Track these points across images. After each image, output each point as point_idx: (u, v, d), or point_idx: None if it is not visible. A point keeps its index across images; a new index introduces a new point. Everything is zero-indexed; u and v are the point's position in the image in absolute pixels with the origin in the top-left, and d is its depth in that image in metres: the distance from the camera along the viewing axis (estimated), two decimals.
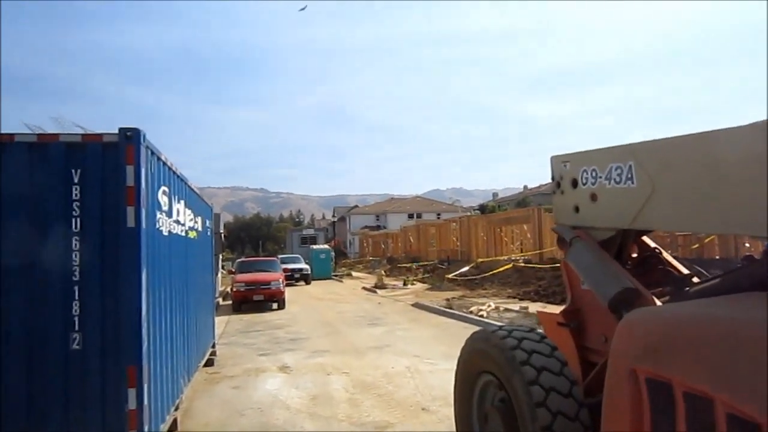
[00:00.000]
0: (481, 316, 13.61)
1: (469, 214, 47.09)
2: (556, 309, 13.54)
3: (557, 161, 4.69)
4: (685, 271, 4.31)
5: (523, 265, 22.24)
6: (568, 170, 4.52)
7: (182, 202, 6.75)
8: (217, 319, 16.46)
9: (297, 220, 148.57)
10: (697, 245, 16.93)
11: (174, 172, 6.19)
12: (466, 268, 25.53)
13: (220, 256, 27.16)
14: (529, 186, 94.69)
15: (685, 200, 3.41)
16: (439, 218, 68.01)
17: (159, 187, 5.32)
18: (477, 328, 11.84)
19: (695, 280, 4.05)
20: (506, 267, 22.31)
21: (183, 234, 6.73)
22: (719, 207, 3.13)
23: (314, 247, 38.23)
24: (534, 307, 14.20)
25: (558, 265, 21.81)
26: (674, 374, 2.40)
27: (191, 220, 7.57)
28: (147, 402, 4.50)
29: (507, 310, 14.62)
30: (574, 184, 4.44)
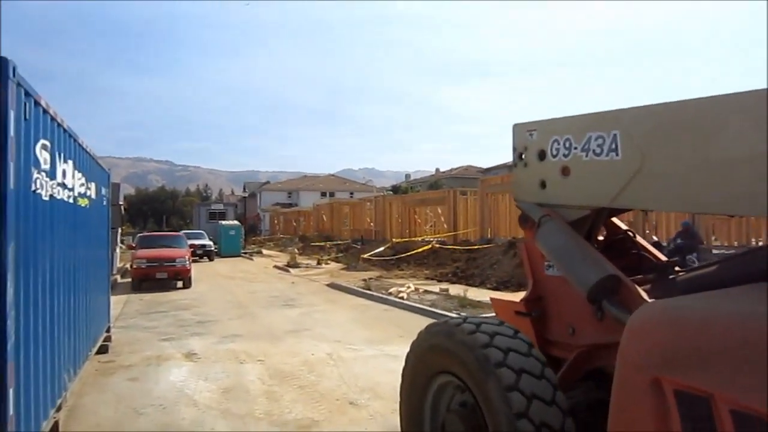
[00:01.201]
0: (402, 297, 13.17)
1: (383, 194, 46.83)
2: (490, 293, 13.33)
3: (521, 130, 4.13)
4: (662, 257, 3.92)
5: (440, 246, 22.08)
6: (535, 140, 3.98)
7: (70, 162, 5.63)
8: (113, 299, 14.87)
9: (205, 194, 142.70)
10: None
11: (59, 125, 5.09)
12: (381, 249, 25.13)
13: (119, 230, 25.14)
14: (441, 169, 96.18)
15: (680, 176, 2.94)
16: (352, 197, 67.50)
17: (37, 140, 4.26)
18: (397, 310, 11.34)
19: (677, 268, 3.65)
20: (425, 248, 22.08)
21: (70, 200, 5.63)
22: (721, 184, 2.68)
23: (223, 222, 36.48)
24: (454, 289, 13.95)
25: (473, 247, 21.95)
26: (716, 388, 1.90)
27: (82, 185, 6.43)
28: (13, 410, 3.54)
29: (427, 291, 14.29)
30: (542, 155, 3.90)
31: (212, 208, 42.98)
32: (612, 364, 3.59)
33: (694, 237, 14.23)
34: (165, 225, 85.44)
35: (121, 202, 22.38)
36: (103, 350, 8.31)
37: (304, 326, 10.40)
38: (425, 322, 10.44)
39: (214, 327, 10.53)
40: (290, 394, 6.27)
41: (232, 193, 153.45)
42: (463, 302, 11.82)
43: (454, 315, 10.64)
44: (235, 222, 37.98)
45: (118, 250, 24.69)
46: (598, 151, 3.44)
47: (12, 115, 3.49)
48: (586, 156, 3.52)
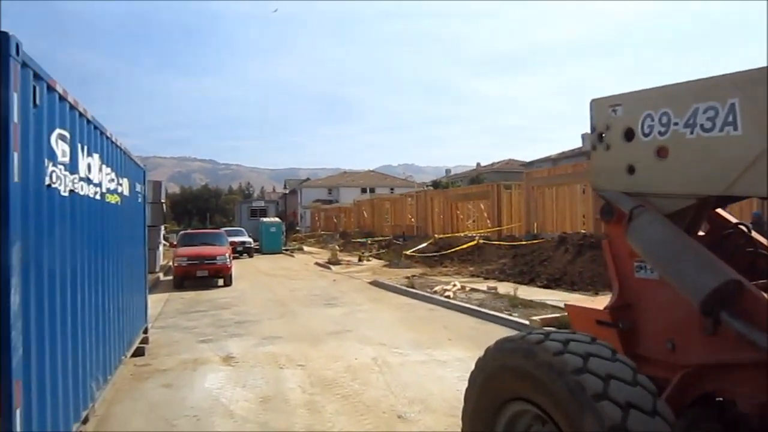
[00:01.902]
0: (448, 297, 12.53)
1: (424, 189, 46.18)
2: (541, 291, 12.57)
3: (601, 106, 3.48)
4: None
5: (486, 242, 21.32)
6: (620, 117, 3.33)
7: (96, 156, 5.25)
8: (154, 297, 14.90)
9: (247, 192, 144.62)
10: None
11: (81, 114, 4.69)
12: (424, 245, 24.51)
13: (162, 228, 25.26)
14: (482, 163, 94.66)
15: None
16: (392, 193, 67.04)
17: (52, 129, 3.84)
18: (444, 310, 10.73)
19: None
20: (470, 244, 21.36)
21: (96, 196, 5.24)
22: None
23: (264, 219, 36.46)
24: (502, 288, 13.24)
25: (520, 243, 21.09)
26: None
27: (111, 180, 6.07)
28: (22, 429, 3.12)
29: (474, 290, 13.61)
30: (629, 135, 3.25)
31: (253, 205, 43.03)
32: (727, 389, 2.95)
33: (762, 230, 13.14)
34: (209, 222, 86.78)
35: (163, 200, 22.42)
36: (139, 352, 8.00)
37: (347, 327, 9.91)
38: (474, 322, 9.83)
39: (254, 327, 10.15)
40: (333, 405, 5.76)
41: (274, 190, 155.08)
42: (514, 302, 11.12)
43: (506, 315, 9.99)
44: (276, 219, 37.95)
45: (161, 247, 24.81)
46: (708, 125, 2.79)
47: (15, 98, 3.06)
48: (691, 133, 2.87)
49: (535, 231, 24.29)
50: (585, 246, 14.86)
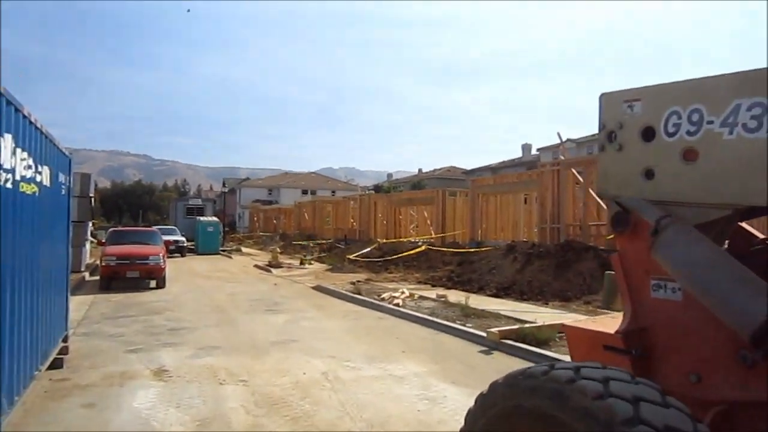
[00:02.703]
0: (397, 304, 12.06)
1: (367, 192, 45.74)
2: (492, 300, 12.23)
3: (613, 101, 3.04)
4: None
5: (432, 248, 21.04)
6: (637, 114, 2.90)
7: (8, 136, 4.43)
8: (78, 300, 13.67)
9: (183, 189, 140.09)
10: (611, 236, 16.48)
11: None
12: (368, 249, 24.01)
13: (90, 224, 23.62)
14: (424, 169, 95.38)
15: None
16: (334, 195, 66.29)
17: None
18: (393, 319, 10.22)
19: None
20: (417, 250, 21.01)
21: (7, 184, 4.43)
22: None
23: (201, 218, 34.99)
24: (452, 296, 12.89)
25: (469, 250, 20.92)
26: None
27: (28, 167, 5.21)
28: None
29: (423, 297, 13.20)
30: (648, 135, 2.83)
31: (190, 203, 41.31)
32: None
33: None
34: (141, 220, 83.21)
35: (91, 194, 20.92)
36: (57, 364, 7.06)
37: (292, 336, 9.24)
38: (426, 333, 9.36)
39: (190, 336, 9.31)
40: (282, 429, 5.13)
41: (211, 189, 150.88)
42: (466, 311, 10.75)
43: (459, 326, 9.60)
44: (214, 218, 36.52)
45: (88, 245, 23.19)
46: (752, 125, 2.39)
47: None
48: (730, 133, 2.47)
49: (480, 238, 24.29)
50: (533, 255, 14.76)
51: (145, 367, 7.28)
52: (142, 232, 19.82)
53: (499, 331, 8.40)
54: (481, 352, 8.17)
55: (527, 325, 8.67)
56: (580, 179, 18.33)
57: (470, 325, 9.69)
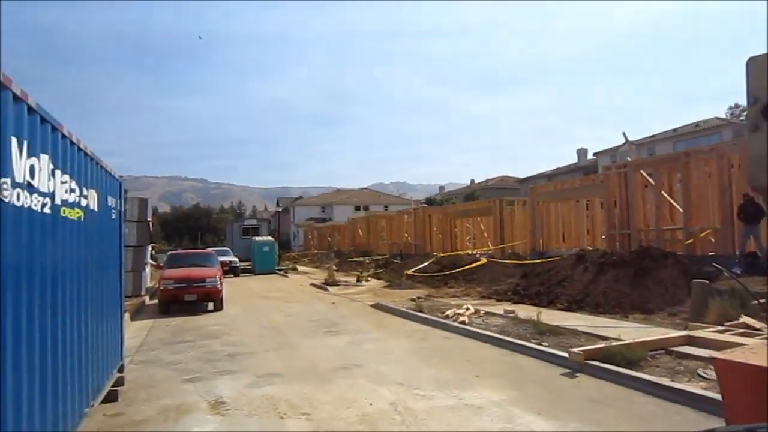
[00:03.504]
0: (463, 322, 11.31)
1: (421, 206, 45.10)
2: (565, 314, 11.30)
3: (765, 68, 2.33)
4: None
5: (495, 260, 20.15)
6: None
7: (45, 157, 4.06)
8: (137, 325, 13.60)
9: (238, 211, 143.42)
10: (690, 240, 15.23)
11: (17, 99, 3.51)
12: (425, 264, 23.29)
13: (149, 248, 23.91)
14: (476, 180, 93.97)
15: None
16: (386, 210, 65.94)
17: None
18: (460, 338, 9.44)
19: None
20: (479, 263, 20.15)
21: (45, 209, 4.04)
22: None
23: (257, 238, 35.14)
24: (521, 311, 12.03)
25: (527, 261, 19.91)
26: None
27: (70, 191, 4.85)
28: None
29: (489, 314, 12.40)
30: None
31: (245, 224, 41.68)
32: None
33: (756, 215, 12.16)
34: (200, 242, 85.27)
35: (149, 218, 21.14)
36: (111, 397, 6.72)
37: (355, 361, 8.65)
38: (499, 353, 8.53)
39: (248, 362, 8.87)
40: None
41: (266, 208, 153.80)
42: (539, 328, 9.90)
43: (534, 345, 8.80)
44: (269, 237, 36.65)
45: (148, 269, 23.49)
46: None
47: None
48: None
49: (542, 248, 23.20)
50: (606, 264, 13.71)
51: (202, 398, 6.84)
52: (199, 255, 19.81)
53: (583, 351, 7.55)
54: (564, 375, 7.35)
55: (614, 344, 7.77)
56: (651, 181, 17.14)
57: (546, 343, 8.86)
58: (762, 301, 10.07)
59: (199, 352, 9.80)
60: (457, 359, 8.54)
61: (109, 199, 6.87)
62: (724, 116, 59.15)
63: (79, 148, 5.22)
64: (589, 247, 20.66)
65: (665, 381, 6.50)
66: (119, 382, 7.29)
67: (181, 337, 11.59)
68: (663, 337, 8.33)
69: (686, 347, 8.05)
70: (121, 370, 7.58)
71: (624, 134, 20.46)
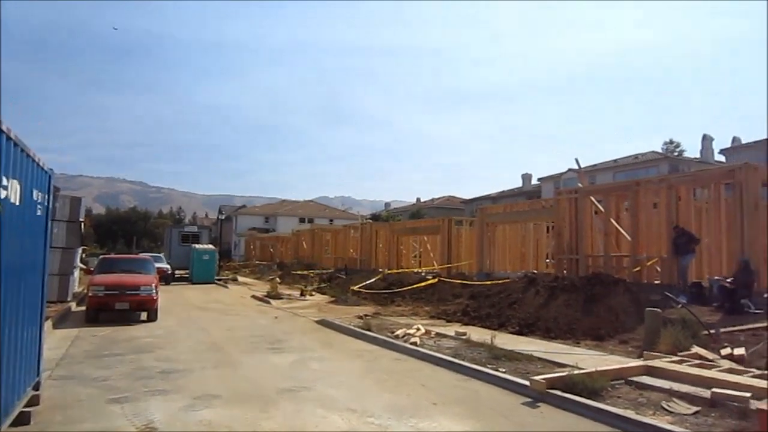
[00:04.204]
0: (414, 343, 10.86)
1: (368, 221, 44.67)
2: (519, 338, 11.03)
3: None
4: None
5: (447, 280, 19.88)
6: None
7: None
8: (60, 334, 12.45)
9: (178, 216, 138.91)
10: (637, 268, 15.41)
11: None
12: (372, 280, 22.81)
13: (79, 250, 22.42)
14: (422, 198, 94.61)
15: None
16: (331, 224, 65.24)
17: None
18: (413, 360, 8.96)
19: None
20: (430, 281, 19.84)
21: None
22: None
23: (197, 246, 33.77)
24: (473, 333, 11.70)
25: (478, 282, 19.75)
26: None
27: None
28: None
29: (440, 335, 12.01)
30: None
31: (185, 230, 39.99)
32: None
33: (750, 277, 12.31)
34: (135, 247, 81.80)
35: (81, 218, 19.77)
36: (22, 420, 5.87)
37: (302, 382, 8.02)
38: (455, 379, 8.04)
39: (184, 380, 8.09)
40: None
41: (206, 216, 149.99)
42: (495, 353, 9.56)
43: (491, 371, 8.43)
44: (210, 246, 35.30)
45: (77, 273, 21.99)
46: None
47: None
48: None
49: (489, 269, 23.17)
50: (557, 289, 13.62)
51: (129, 422, 6.07)
52: (134, 260, 18.59)
53: (545, 379, 7.23)
54: (525, 404, 6.98)
55: (576, 372, 7.49)
56: (600, 208, 17.35)
57: (503, 369, 8.51)
58: (712, 332, 10.12)
59: (129, 368, 8.92)
60: (411, 383, 8.06)
61: (35, 192, 6.07)
62: (660, 150, 61.97)
63: (2, 133, 4.49)
64: (534, 271, 20.81)
65: (631, 414, 6.23)
66: (33, 401, 6.41)
67: (110, 349, 10.61)
68: (622, 366, 8.13)
69: (645, 377, 7.86)
70: (36, 387, 6.71)
71: (576, 160, 20.77)
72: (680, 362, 8.45)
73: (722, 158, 45.02)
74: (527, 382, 7.39)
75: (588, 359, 9.21)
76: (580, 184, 19.15)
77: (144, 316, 15.05)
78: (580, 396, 6.86)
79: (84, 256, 32.67)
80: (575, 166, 56.86)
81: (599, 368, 7.82)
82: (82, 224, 20.83)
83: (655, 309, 10.68)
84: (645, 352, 9.49)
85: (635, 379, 7.81)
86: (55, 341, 11.38)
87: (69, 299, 18.70)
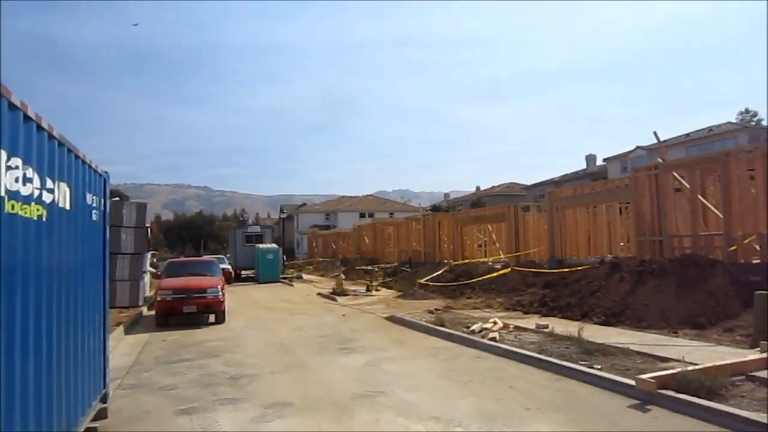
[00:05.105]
0: (494, 339, 10.10)
1: (429, 212, 43.84)
2: (606, 330, 10.06)
3: None
4: None
5: (521, 269, 18.94)
6: None
7: None
8: (131, 340, 12.41)
9: (241, 218, 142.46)
10: (733, 247, 14.00)
11: None
12: (438, 272, 22.08)
13: (148, 255, 22.78)
14: (482, 187, 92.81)
15: None
16: (392, 217, 64.74)
17: None
18: (495, 358, 8.18)
19: None
20: (503, 271, 18.98)
21: None
22: None
23: (260, 246, 34.00)
24: (556, 325, 10.82)
25: (556, 270, 18.66)
26: None
27: (24, 181, 3.71)
28: None
29: (520, 328, 11.19)
30: None
31: (249, 231, 40.41)
32: None
33: None
34: (203, 249, 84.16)
35: (147, 224, 20.00)
36: None
37: (377, 386, 7.44)
38: (546, 378, 7.07)
39: (253, 387, 7.68)
40: None
41: (268, 216, 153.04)
42: (585, 347, 8.68)
43: (585, 368, 7.58)
44: (273, 245, 35.49)
45: (147, 278, 22.35)
46: None
47: None
48: None
49: (562, 256, 21.98)
50: (645, 273, 12.48)
51: None
52: (200, 263, 18.61)
53: (654, 378, 6.34)
54: (632, 407, 6.13)
55: (689, 368, 6.55)
56: (685, 183, 15.95)
57: (599, 366, 7.65)
58: None
59: (198, 374, 8.61)
60: (497, 385, 7.33)
61: (88, 196, 5.72)
62: (735, 121, 58.04)
63: (40, 127, 4.08)
64: (609, 255, 19.53)
65: (763, 418, 5.29)
66: (101, 414, 6.14)
67: (179, 354, 10.41)
68: (740, 360, 7.11)
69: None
70: (104, 399, 6.43)
71: (655, 133, 19.26)
72: None
73: None
74: (632, 382, 6.52)
75: (693, 352, 8.20)
76: (660, 159, 17.70)
77: (212, 318, 14.94)
78: (697, 396, 5.95)
79: (155, 260, 33.53)
80: (645, 143, 53.75)
81: (712, 363, 6.85)
82: (149, 230, 21.10)
83: (766, 292, 9.48)
84: (761, 342, 8.37)
85: (757, 374, 6.80)
86: (126, 347, 11.32)
87: (140, 304, 18.93)
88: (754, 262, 13.76)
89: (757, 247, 13.89)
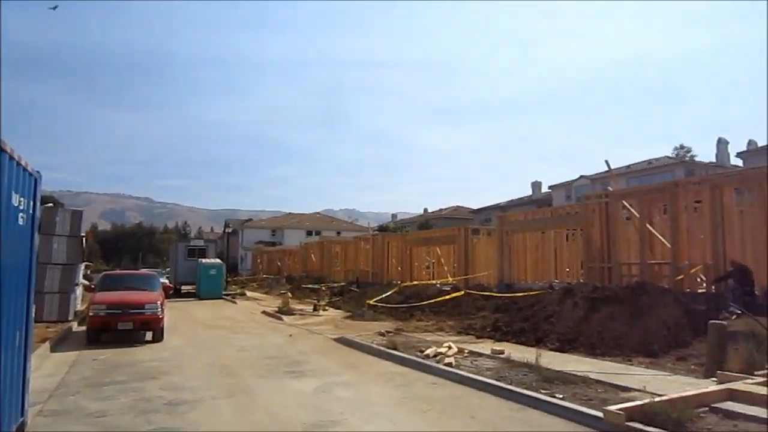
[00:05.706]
0: (449, 364, 9.74)
1: (376, 232, 43.51)
2: (563, 356, 9.84)
3: None
4: None
5: (474, 293, 18.76)
6: None
7: None
8: (58, 358, 11.38)
9: (183, 231, 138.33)
10: (680, 276, 14.26)
11: None
12: (388, 293, 21.69)
13: (81, 267, 21.41)
14: (429, 209, 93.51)
15: None
16: (339, 236, 64.11)
17: None
18: (452, 385, 7.77)
19: None
20: (455, 294, 18.73)
21: None
22: None
23: (203, 261, 32.76)
24: (513, 351, 10.58)
25: (509, 294, 18.55)
26: None
27: None
28: None
29: (475, 353, 10.89)
30: None
31: (191, 244, 38.87)
32: None
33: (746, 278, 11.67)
34: (141, 262, 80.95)
35: (82, 233, 18.78)
36: None
37: (330, 415, 6.92)
38: (507, 408, 6.32)
39: (194, 415, 7.00)
40: None
41: (212, 230, 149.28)
42: (545, 374, 8.43)
43: (547, 397, 7.32)
44: (217, 260, 34.28)
45: (79, 290, 20.96)
46: None
47: None
48: None
49: (510, 280, 22.03)
50: (598, 300, 12.47)
51: None
52: (138, 277, 17.56)
53: (621, 410, 6.10)
54: None
55: (656, 400, 6.37)
56: (635, 213, 16.24)
57: (560, 395, 7.39)
58: None
59: (132, 399, 7.84)
60: (458, 414, 6.95)
61: (14, 197, 5.05)
62: (671, 155, 60.82)
63: None
64: (556, 280, 19.69)
65: None
66: None
67: (110, 376, 9.54)
68: (703, 391, 6.99)
69: (730, 403, 6.74)
70: (21, 428, 5.66)
71: (606, 162, 19.67)
72: (766, 383, 7.32)
73: (739, 162, 43.88)
74: (599, 413, 6.27)
75: (652, 381, 8.09)
76: (610, 188, 18.04)
77: (149, 335, 14.00)
78: (665, 429, 5.75)
79: (88, 272, 31.71)
80: (589, 173, 55.40)
81: (677, 394, 6.70)
82: (84, 239, 19.85)
83: (719, 321, 9.55)
84: (717, 372, 8.35)
85: (719, 405, 6.69)
86: (51, 366, 10.35)
87: (70, 318, 17.66)
88: (700, 291, 14.04)
89: (702, 277, 14.20)
